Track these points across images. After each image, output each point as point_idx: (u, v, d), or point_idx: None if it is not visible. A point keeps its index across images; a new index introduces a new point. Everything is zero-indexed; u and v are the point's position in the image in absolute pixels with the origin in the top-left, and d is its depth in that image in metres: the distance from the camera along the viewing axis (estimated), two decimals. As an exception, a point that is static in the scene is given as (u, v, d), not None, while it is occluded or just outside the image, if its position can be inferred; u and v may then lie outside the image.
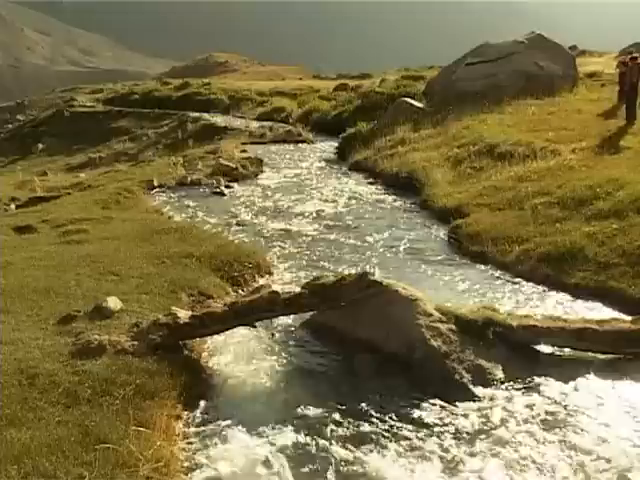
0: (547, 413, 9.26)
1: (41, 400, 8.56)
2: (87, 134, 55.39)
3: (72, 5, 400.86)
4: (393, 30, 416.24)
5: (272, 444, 8.58)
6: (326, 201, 23.05)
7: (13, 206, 24.75)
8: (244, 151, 33.92)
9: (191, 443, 8.66)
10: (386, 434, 8.80)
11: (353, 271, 13.34)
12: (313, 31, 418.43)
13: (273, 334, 11.81)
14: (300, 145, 38.13)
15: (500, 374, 10.26)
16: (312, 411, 9.28)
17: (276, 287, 12.55)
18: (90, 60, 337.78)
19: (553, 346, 11.12)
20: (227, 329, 11.04)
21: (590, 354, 11.00)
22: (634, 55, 26.95)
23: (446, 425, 9.02)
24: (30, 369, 9.20)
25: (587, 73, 40.50)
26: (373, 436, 8.76)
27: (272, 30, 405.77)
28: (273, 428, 8.90)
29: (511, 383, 10.08)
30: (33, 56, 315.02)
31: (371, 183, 26.35)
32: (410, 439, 8.70)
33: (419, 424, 9.04)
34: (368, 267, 15.10)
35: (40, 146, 57.60)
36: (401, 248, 17.46)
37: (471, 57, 37.41)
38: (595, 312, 12.59)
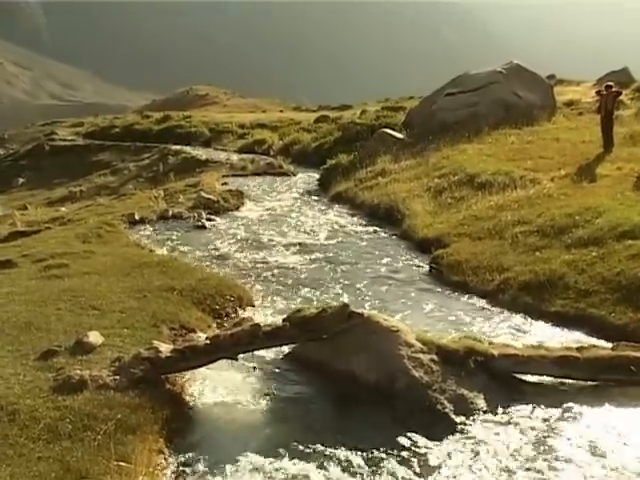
0: (530, 441, 9.29)
1: (21, 436, 8.51)
2: (68, 168, 55.25)
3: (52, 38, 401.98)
4: (373, 62, 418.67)
5: (254, 478, 8.55)
6: (307, 233, 23.07)
7: (-7, 241, 24.64)
8: (225, 184, 33.90)
9: (173, 477, 8.62)
10: (370, 467, 8.78)
11: (334, 303, 13.33)
12: (294, 63, 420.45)
13: (255, 367, 11.79)
14: (281, 177, 38.18)
15: (482, 403, 10.29)
16: (294, 444, 9.25)
17: (258, 320, 12.57)
18: (70, 94, 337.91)
19: (534, 374, 11.16)
20: (209, 362, 11.01)
21: (572, 382, 11.05)
22: (609, 84, 27.31)
23: (429, 455, 9.02)
24: (10, 405, 9.14)
25: (565, 102, 40.82)
26: (357, 469, 8.74)
27: (253, 63, 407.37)
28: (255, 462, 8.86)
29: (493, 412, 10.10)
30: (13, 90, 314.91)
31: (352, 214, 26.39)
32: (395, 472, 8.69)
33: (402, 456, 9.03)
34: (349, 299, 15.14)
35: (20, 180, 57.40)
36: (382, 279, 17.48)
37: (450, 87, 37.64)
38: (576, 339, 12.64)
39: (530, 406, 10.25)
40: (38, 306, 13.62)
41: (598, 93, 28.01)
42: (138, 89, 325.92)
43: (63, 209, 36.85)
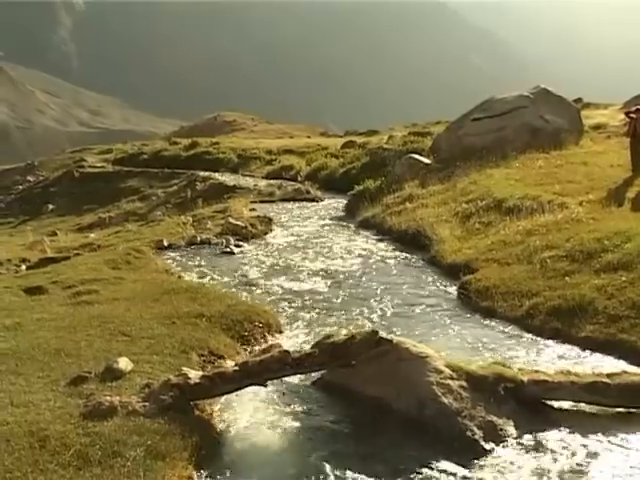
0: (561, 468, 9.20)
1: (52, 462, 8.54)
2: (97, 194, 55.69)
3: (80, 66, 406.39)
4: (398, 87, 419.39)
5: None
6: (335, 259, 23.06)
7: (23, 267, 24.85)
8: (253, 210, 34.03)
9: (203, 505, 8.63)
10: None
11: (363, 329, 13.31)
12: (320, 89, 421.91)
13: (284, 393, 11.80)
14: (309, 203, 38.24)
15: (512, 430, 10.21)
16: (324, 472, 9.23)
17: (286, 346, 12.57)
18: (99, 121, 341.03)
19: (564, 400, 11.09)
20: (238, 389, 11.02)
21: (602, 408, 10.96)
22: (639, 107, 27.13)
23: (459, 483, 8.99)
24: (41, 431, 9.18)
25: (592, 125, 40.68)
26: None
27: (279, 89, 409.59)
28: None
29: (523, 439, 10.02)
30: (43, 117, 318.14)
31: (380, 240, 26.35)
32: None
33: (432, 482, 9.01)
34: (378, 325, 15.11)
35: (50, 207, 57.91)
36: (411, 305, 17.43)
37: (477, 112, 37.58)
38: (606, 365, 12.55)
39: (560, 433, 10.16)
40: (68, 332, 13.70)
41: (627, 115, 27.85)
42: (166, 116, 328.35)
43: (92, 235, 37.22)
